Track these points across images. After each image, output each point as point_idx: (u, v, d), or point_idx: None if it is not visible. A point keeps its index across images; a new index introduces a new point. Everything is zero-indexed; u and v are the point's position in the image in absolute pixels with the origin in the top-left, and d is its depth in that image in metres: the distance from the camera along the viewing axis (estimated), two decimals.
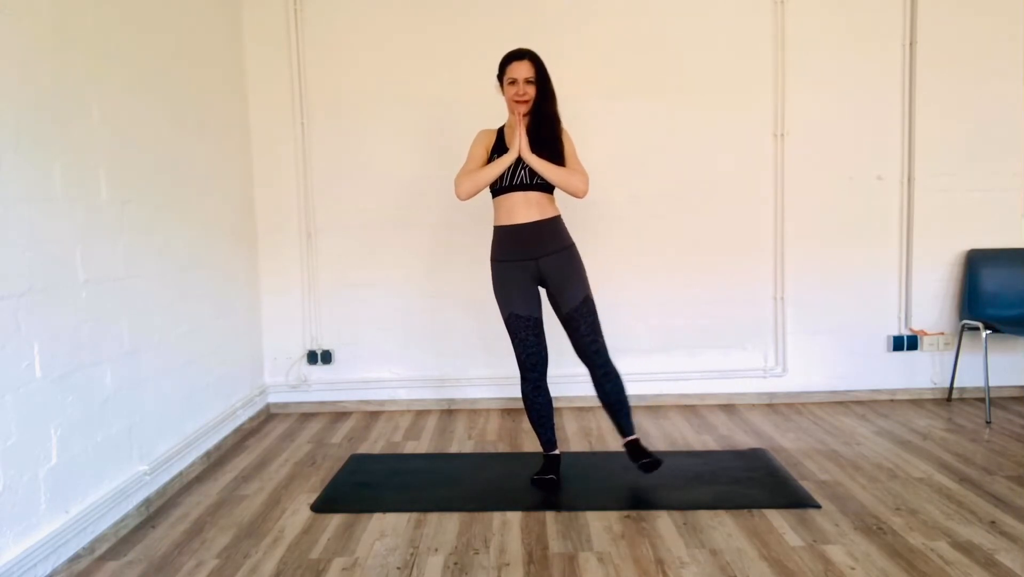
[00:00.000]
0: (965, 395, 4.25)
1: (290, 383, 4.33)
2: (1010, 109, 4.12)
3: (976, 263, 4.13)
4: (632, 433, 3.01)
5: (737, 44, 4.13)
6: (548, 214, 2.94)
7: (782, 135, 4.15)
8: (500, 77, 2.94)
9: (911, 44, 4.10)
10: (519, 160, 2.87)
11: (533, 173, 2.87)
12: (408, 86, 4.16)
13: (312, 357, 4.31)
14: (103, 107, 2.71)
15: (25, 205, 2.30)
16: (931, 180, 4.15)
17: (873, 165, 4.18)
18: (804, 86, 4.13)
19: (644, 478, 3.08)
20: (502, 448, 3.61)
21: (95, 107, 2.67)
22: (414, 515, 2.78)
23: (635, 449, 3.00)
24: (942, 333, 4.25)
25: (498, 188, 2.93)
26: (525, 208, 2.91)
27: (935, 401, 4.23)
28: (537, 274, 2.94)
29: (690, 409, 4.20)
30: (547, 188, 2.93)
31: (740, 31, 4.13)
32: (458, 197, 2.93)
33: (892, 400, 4.26)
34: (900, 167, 4.18)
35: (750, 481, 3.03)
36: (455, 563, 2.40)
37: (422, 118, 4.18)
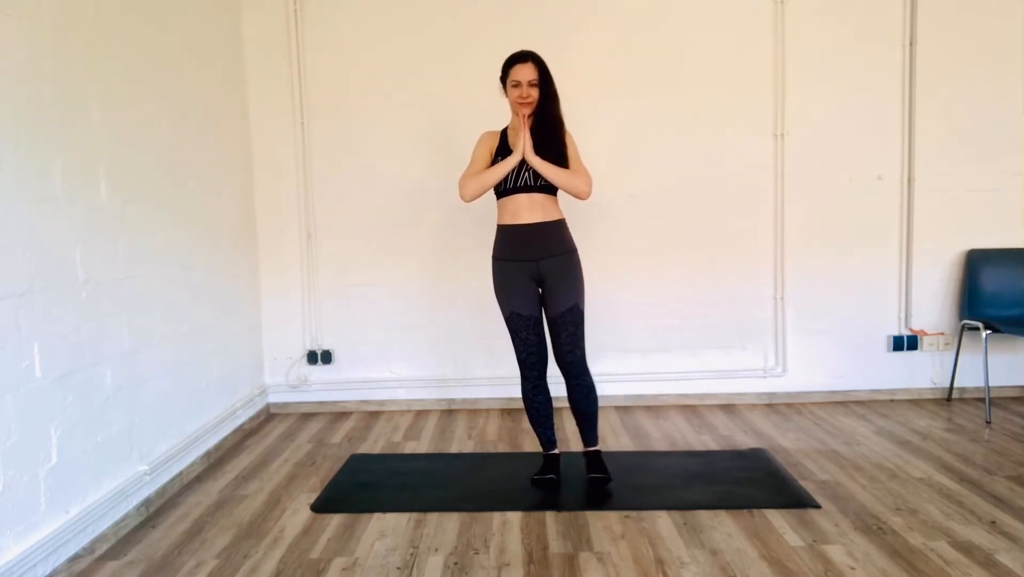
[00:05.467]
0: (965, 395, 4.25)
1: (290, 383, 4.33)
2: (1010, 109, 4.12)
3: (976, 263, 4.13)
4: (595, 444, 3.06)
5: (737, 44, 4.13)
6: (552, 216, 2.95)
7: (782, 135, 4.15)
8: (503, 79, 2.94)
9: (911, 44, 4.10)
10: (523, 162, 2.87)
11: (537, 175, 2.88)
12: (408, 86, 4.16)
13: (312, 357, 4.31)
14: (103, 107, 2.71)
15: (25, 205, 2.30)
16: (931, 180, 4.15)
17: (873, 165, 4.18)
18: (804, 86, 4.13)
19: (644, 478, 3.09)
20: (502, 448, 3.61)
21: (95, 107, 2.67)
22: (414, 515, 2.78)
23: (594, 460, 3.04)
24: (942, 333, 4.25)
25: (502, 189, 2.94)
26: (529, 209, 2.91)
27: (935, 401, 4.23)
28: (537, 275, 2.94)
29: (690, 409, 4.20)
30: (551, 190, 2.94)
31: (740, 31, 4.13)
32: (463, 199, 2.94)
33: (892, 400, 4.26)
34: (900, 167, 4.18)
35: (750, 481, 3.03)
36: (455, 563, 2.40)
37: (422, 118, 4.18)
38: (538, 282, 2.97)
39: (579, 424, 3.05)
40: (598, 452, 3.06)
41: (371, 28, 4.15)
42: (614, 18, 4.13)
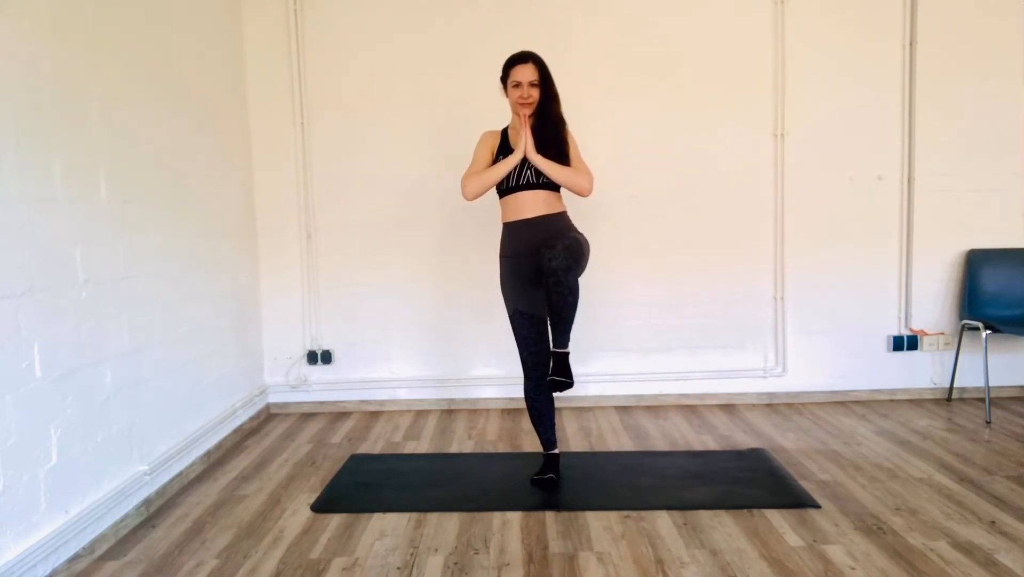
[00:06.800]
0: (965, 395, 4.25)
1: (290, 383, 4.33)
2: (1010, 109, 4.12)
3: (976, 263, 4.12)
4: (564, 347, 2.90)
5: (737, 44, 4.13)
6: (556, 209, 2.96)
7: (782, 135, 4.15)
8: (504, 80, 2.95)
9: (911, 44, 4.10)
10: (525, 160, 2.89)
11: (539, 172, 2.90)
12: (408, 86, 4.16)
13: (312, 357, 4.31)
14: (103, 107, 2.71)
15: (25, 205, 2.30)
16: (931, 180, 4.15)
17: (873, 165, 4.18)
18: (804, 86, 4.13)
19: (644, 478, 3.09)
20: (502, 448, 3.61)
21: (95, 107, 2.67)
22: (414, 515, 2.78)
23: (560, 362, 2.89)
24: (942, 333, 4.25)
25: (505, 188, 2.95)
26: (533, 204, 2.93)
27: (935, 401, 4.23)
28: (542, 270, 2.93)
29: (690, 409, 4.20)
30: (553, 187, 2.96)
31: (740, 31, 4.13)
32: (465, 198, 2.94)
33: (892, 400, 4.26)
34: (900, 167, 4.18)
35: (750, 481, 3.03)
36: (455, 563, 2.40)
37: (422, 118, 4.18)
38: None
39: (552, 325, 2.89)
40: (567, 354, 2.92)
41: (371, 28, 4.15)
42: (614, 18, 4.13)
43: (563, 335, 2.91)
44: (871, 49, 4.12)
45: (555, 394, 3.05)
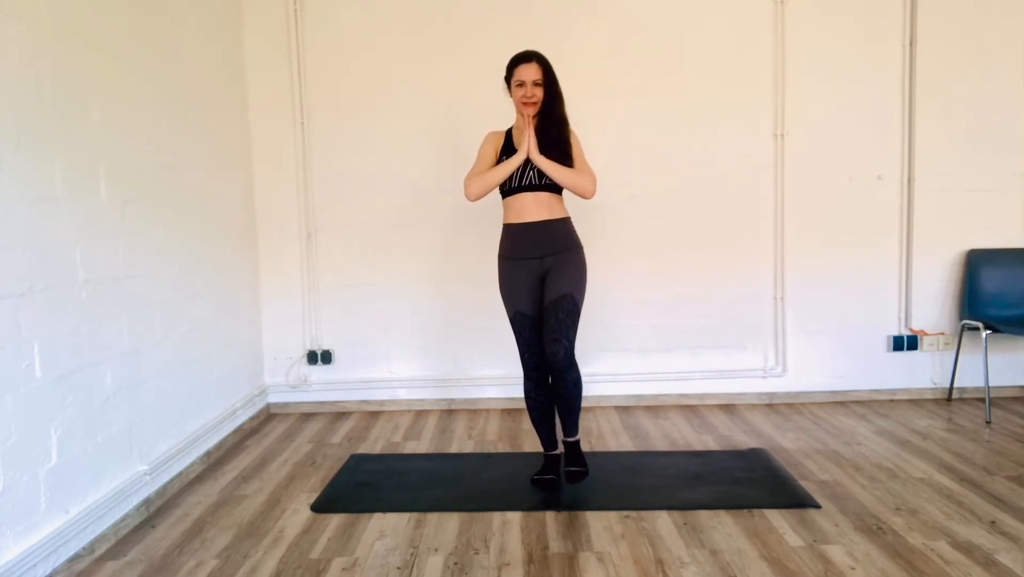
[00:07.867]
0: (965, 395, 4.26)
1: (290, 383, 4.33)
2: (1010, 109, 4.12)
3: (976, 263, 4.13)
4: (575, 435, 3.02)
5: (737, 44, 4.13)
6: (557, 214, 2.95)
7: (782, 135, 4.15)
8: (508, 79, 2.94)
9: (911, 44, 4.10)
10: (528, 161, 2.88)
11: (542, 174, 2.88)
12: (409, 86, 4.16)
13: (312, 357, 4.31)
14: (103, 107, 2.71)
15: (25, 205, 2.30)
16: (931, 180, 4.16)
17: (873, 165, 4.18)
18: (804, 86, 4.13)
19: (644, 478, 3.09)
20: (502, 448, 3.61)
21: (95, 107, 2.67)
22: (414, 515, 2.78)
23: (572, 451, 3.01)
24: (942, 333, 4.25)
25: (508, 189, 2.94)
26: (535, 207, 2.92)
27: (935, 401, 4.23)
28: (542, 273, 2.93)
29: (690, 409, 4.20)
30: (556, 189, 2.94)
31: (740, 31, 4.13)
32: (468, 198, 2.94)
33: (892, 400, 4.26)
34: (900, 167, 4.18)
35: (750, 481, 3.03)
36: (455, 563, 2.40)
37: (422, 117, 4.18)
38: (542, 280, 2.96)
39: (560, 414, 3.00)
40: (577, 442, 3.03)
41: (371, 28, 4.15)
42: (614, 18, 4.13)
43: (573, 424, 3.00)
44: (871, 49, 4.12)
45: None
